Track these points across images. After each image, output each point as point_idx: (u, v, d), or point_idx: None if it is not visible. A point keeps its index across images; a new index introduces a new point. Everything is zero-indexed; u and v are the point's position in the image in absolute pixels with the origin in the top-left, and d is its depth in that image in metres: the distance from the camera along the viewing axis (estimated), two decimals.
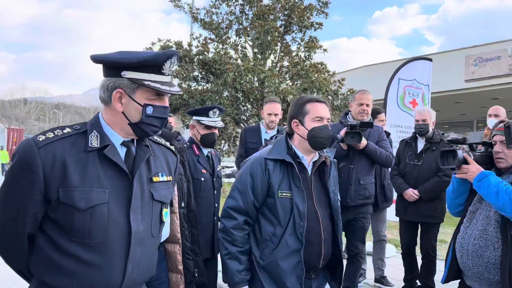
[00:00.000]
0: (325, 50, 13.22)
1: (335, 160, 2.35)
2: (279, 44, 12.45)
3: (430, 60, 6.19)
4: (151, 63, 1.46)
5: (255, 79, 11.09)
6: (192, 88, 11.57)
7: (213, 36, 12.65)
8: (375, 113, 4.58)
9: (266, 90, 10.65)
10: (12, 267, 1.54)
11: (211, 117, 3.16)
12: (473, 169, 2.22)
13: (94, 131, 1.48)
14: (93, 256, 1.43)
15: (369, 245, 4.98)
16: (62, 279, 1.43)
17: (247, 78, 10.55)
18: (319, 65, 12.74)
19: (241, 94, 11.19)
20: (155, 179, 1.57)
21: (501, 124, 2.32)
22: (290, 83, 12.53)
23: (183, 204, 2.39)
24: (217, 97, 10.80)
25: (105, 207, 1.43)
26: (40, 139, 1.42)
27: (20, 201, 1.42)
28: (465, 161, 2.24)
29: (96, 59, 1.51)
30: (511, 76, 11.39)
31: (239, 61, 12.10)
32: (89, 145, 1.45)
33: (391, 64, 15.07)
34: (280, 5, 12.26)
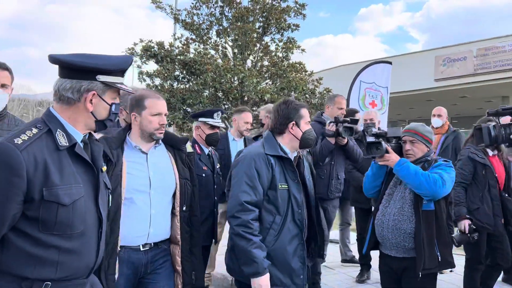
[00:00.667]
0: (303, 50, 13.70)
1: (305, 154, 2.72)
2: (258, 44, 12.89)
3: (390, 63, 6.72)
4: (122, 69, 1.65)
5: (235, 78, 11.51)
6: (174, 88, 11.95)
7: (194, 37, 13.04)
8: (352, 112, 4.95)
9: (245, 89, 11.08)
10: None
11: (215, 119, 3.54)
12: (394, 157, 2.74)
13: (59, 129, 1.56)
14: (74, 244, 1.54)
15: (334, 234, 5.52)
16: (44, 270, 1.49)
17: (227, 78, 10.96)
18: (298, 65, 13.24)
19: (221, 93, 11.60)
20: (103, 169, 1.73)
21: (408, 126, 2.92)
22: (270, 82, 12.99)
23: (184, 208, 2.42)
24: (197, 96, 11.21)
25: (82, 200, 1.56)
26: (19, 142, 1.45)
27: (2, 204, 1.42)
28: (387, 151, 2.76)
29: (65, 62, 1.59)
30: (476, 76, 12.05)
31: (219, 60, 12.51)
32: (60, 144, 1.53)
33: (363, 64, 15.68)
34: (259, 7, 12.70)
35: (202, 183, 3.21)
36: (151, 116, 2.29)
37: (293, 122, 2.45)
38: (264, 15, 12.53)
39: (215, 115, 3.56)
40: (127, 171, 2.22)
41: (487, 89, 12.75)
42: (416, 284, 2.64)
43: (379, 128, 4.31)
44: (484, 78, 11.97)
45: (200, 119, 3.60)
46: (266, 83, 13.06)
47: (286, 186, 2.40)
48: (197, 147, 3.50)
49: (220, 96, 11.69)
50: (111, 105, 1.64)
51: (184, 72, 11.64)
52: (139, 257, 2.26)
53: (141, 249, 2.27)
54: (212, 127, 3.53)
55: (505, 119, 3.13)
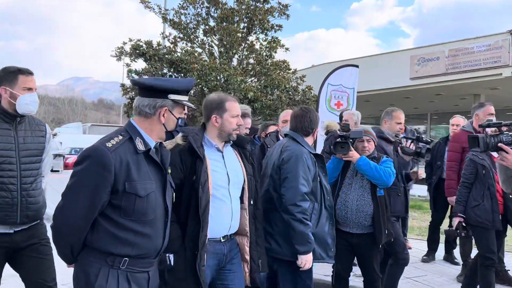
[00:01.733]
0: (287, 49, 14.32)
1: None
2: (243, 44, 13.46)
3: (357, 66, 7.37)
4: (187, 89, 2.03)
5: (220, 77, 12.08)
6: None
7: (182, 35, 13.59)
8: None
9: (230, 88, 11.67)
10: (64, 245, 1.86)
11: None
12: (356, 155, 3.44)
13: (138, 137, 1.93)
14: (146, 229, 1.89)
15: None
16: (124, 248, 1.85)
17: (212, 76, 11.54)
18: (282, 63, 13.84)
19: (207, 91, 12.19)
20: (169, 171, 2.09)
21: (365, 128, 3.71)
22: (256, 80, 13.58)
23: (252, 202, 2.60)
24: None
25: (153, 194, 1.90)
26: (109, 145, 1.83)
27: (96, 193, 1.79)
28: (351, 149, 3.43)
29: (145, 84, 1.99)
30: (448, 75, 12.76)
31: (205, 57, 13.08)
32: (138, 149, 1.89)
33: (348, 62, 16.32)
34: (244, 7, 13.25)
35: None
36: (231, 117, 2.50)
37: (316, 128, 3.17)
38: (248, 15, 13.10)
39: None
40: (210, 168, 2.43)
41: (459, 87, 13.48)
42: (371, 252, 3.42)
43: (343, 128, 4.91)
44: (455, 78, 12.68)
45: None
46: (252, 81, 13.68)
47: (319, 178, 3.02)
48: None
49: (206, 93, 12.29)
50: (178, 119, 2.01)
51: (172, 70, 12.21)
52: (221, 248, 2.46)
53: (221, 240, 2.47)
54: None
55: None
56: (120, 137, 1.89)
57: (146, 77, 12.19)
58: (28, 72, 2.67)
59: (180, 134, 2.20)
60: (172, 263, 2.29)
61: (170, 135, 2.05)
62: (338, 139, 3.46)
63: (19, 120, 2.63)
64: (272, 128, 4.68)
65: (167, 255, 2.28)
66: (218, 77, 12.01)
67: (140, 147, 1.91)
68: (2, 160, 2.50)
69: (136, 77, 12.60)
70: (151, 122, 1.97)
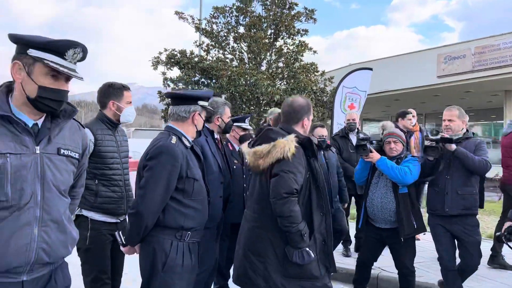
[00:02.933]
0: (314, 51, 14.81)
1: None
2: (270, 49, 14.06)
3: (371, 69, 7.81)
4: (208, 97, 2.67)
5: (250, 81, 12.73)
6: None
7: (214, 43, 14.38)
8: (403, 113, 5.72)
9: (257, 91, 12.30)
10: (141, 227, 2.26)
11: (246, 123, 4.28)
12: (376, 156, 3.69)
13: (183, 136, 2.45)
14: (199, 206, 2.42)
15: None
16: (188, 222, 2.36)
17: (240, 81, 12.23)
18: (309, 66, 14.31)
19: (237, 95, 12.90)
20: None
21: (391, 130, 4.03)
22: (285, 83, 14.13)
23: None
24: None
25: (201, 178, 2.47)
26: (174, 142, 2.35)
27: (170, 181, 2.27)
28: (371, 151, 3.72)
29: (181, 94, 2.64)
30: (475, 72, 12.79)
31: (235, 63, 13.79)
32: (187, 145, 2.43)
33: (376, 62, 16.57)
34: (272, 13, 13.87)
35: (235, 174, 3.82)
36: (309, 121, 2.81)
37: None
38: (275, 22, 13.70)
39: (246, 120, 4.35)
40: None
41: (488, 84, 13.44)
42: (401, 246, 3.60)
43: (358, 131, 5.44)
44: (482, 75, 12.69)
45: (235, 124, 4.28)
46: (280, 84, 14.26)
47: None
48: (229, 145, 4.18)
49: (236, 97, 13.00)
50: (205, 121, 2.63)
51: (203, 77, 13.01)
52: None
53: None
54: (244, 129, 4.25)
55: None
56: (174, 137, 2.39)
57: (180, 88, 12.99)
58: (129, 88, 3.12)
59: (293, 136, 2.51)
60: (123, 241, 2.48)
61: (198, 134, 2.60)
62: (360, 142, 3.80)
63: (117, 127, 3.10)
64: (320, 131, 4.71)
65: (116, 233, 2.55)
66: (247, 82, 12.67)
67: (187, 144, 2.44)
68: (112, 161, 2.93)
69: (171, 84, 13.49)
70: (187, 124, 2.51)
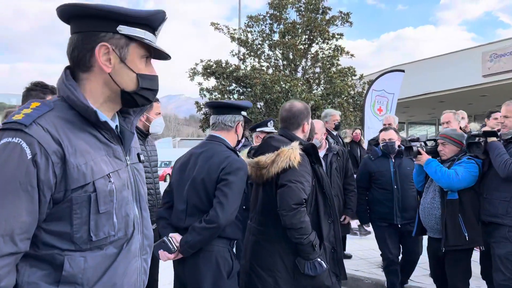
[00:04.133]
0: (352, 55, 14.58)
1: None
2: (305, 55, 13.99)
3: (403, 71, 7.55)
4: (249, 107, 2.65)
5: (285, 87, 12.72)
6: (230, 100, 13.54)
7: (249, 52, 14.53)
8: (489, 113, 5.48)
9: (291, 97, 12.25)
10: (213, 237, 2.31)
11: (269, 127, 4.31)
12: (424, 158, 3.44)
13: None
14: (241, 217, 2.49)
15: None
16: (240, 232, 2.52)
17: (274, 88, 12.25)
18: (347, 70, 14.08)
19: (271, 102, 12.92)
20: None
21: (442, 131, 3.72)
22: (322, 88, 13.98)
23: None
24: (253, 107, 12.66)
25: None
26: (242, 158, 2.44)
27: (242, 194, 2.35)
28: (420, 153, 3.49)
29: (226, 104, 2.59)
30: None
31: (270, 71, 13.84)
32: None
33: (416, 64, 16.00)
34: (306, 19, 13.80)
35: None
36: (309, 125, 2.82)
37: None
38: (308, 28, 13.63)
39: (268, 124, 4.32)
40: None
41: None
42: (449, 259, 3.28)
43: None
44: None
45: (257, 129, 4.38)
46: (317, 89, 14.13)
47: None
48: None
49: (270, 104, 13.02)
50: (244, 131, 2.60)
51: (238, 86, 13.16)
52: None
53: None
54: (267, 133, 4.12)
55: None
56: (232, 151, 2.42)
57: (216, 98, 13.20)
58: (158, 100, 3.07)
59: (297, 143, 2.49)
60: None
61: (238, 143, 2.59)
62: (408, 144, 3.64)
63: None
64: (385, 135, 4.30)
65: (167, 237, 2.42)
66: (282, 89, 12.67)
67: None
68: (155, 170, 3.07)
69: (207, 94, 13.75)
70: (231, 134, 2.50)
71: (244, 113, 2.55)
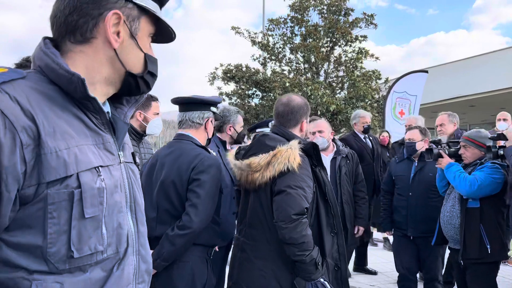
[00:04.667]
0: (376, 58, 14.09)
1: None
2: (328, 58, 13.60)
3: (426, 72, 7.09)
4: (219, 102, 2.51)
5: (306, 91, 12.37)
6: (250, 104, 13.28)
7: (270, 56, 14.26)
8: None
9: (311, 102, 11.88)
10: (187, 246, 2.12)
11: (270, 127, 4.17)
12: (445, 161, 3.17)
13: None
14: (220, 220, 2.42)
15: None
16: (217, 238, 2.34)
17: (294, 92, 11.91)
18: (371, 73, 13.59)
19: None
20: None
21: (465, 133, 3.36)
22: (346, 93, 13.53)
23: None
24: (270, 111, 12.35)
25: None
26: (214, 154, 2.29)
27: (217, 194, 2.18)
28: (441, 155, 3.21)
29: (195, 100, 2.35)
30: None
31: (291, 75, 13.52)
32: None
33: (445, 66, 15.31)
34: (328, 21, 13.42)
35: None
36: (308, 123, 2.75)
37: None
38: (331, 30, 13.24)
39: (269, 124, 4.06)
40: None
41: None
42: (471, 273, 2.99)
43: None
44: None
45: (257, 130, 4.17)
46: (340, 93, 13.70)
47: None
48: None
49: None
50: (215, 131, 2.60)
51: (257, 90, 12.90)
52: None
53: None
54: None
55: None
56: (202, 149, 2.24)
57: (232, 103, 13.00)
58: (157, 99, 2.96)
59: (296, 142, 2.19)
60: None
61: (208, 141, 2.41)
62: (429, 145, 3.37)
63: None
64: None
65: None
66: (303, 93, 12.32)
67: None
68: None
69: (226, 98, 13.57)
70: (200, 132, 2.32)
71: (214, 109, 2.35)
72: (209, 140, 2.41)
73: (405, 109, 6.66)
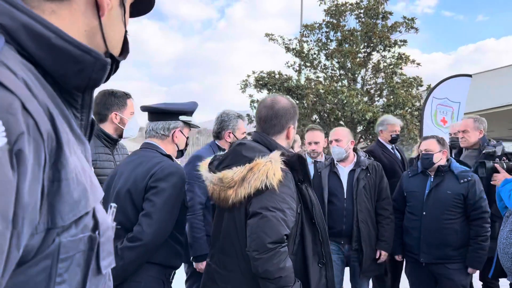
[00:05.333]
0: (418, 64, 13.34)
1: None
2: (365, 64, 12.99)
3: (470, 76, 6.42)
4: (192, 111, 2.18)
5: (341, 98, 11.84)
6: None
7: (304, 62, 13.82)
8: None
9: (346, 110, 11.32)
10: (141, 261, 1.83)
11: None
12: (500, 177, 2.65)
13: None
14: (184, 240, 2.16)
15: None
16: (177, 260, 2.03)
17: (328, 100, 11.40)
18: (412, 80, 12.86)
19: (325, 115, 12.06)
20: None
21: None
22: (385, 100, 12.86)
23: None
24: (303, 119, 11.89)
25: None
26: (179, 163, 2.13)
27: (177, 207, 1.90)
28: (496, 170, 2.69)
29: (157, 109, 2.09)
30: None
31: (322, 81, 13.02)
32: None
33: (494, 72, 14.27)
34: (365, 26, 12.84)
35: None
36: (295, 129, 2.84)
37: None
38: (368, 35, 12.64)
39: None
40: None
41: None
42: None
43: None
44: None
45: None
46: (378, 100, 13.03)
47: None
48: None
49: (324, 117, 12.16)
50: (187, 138, 2.16)
51: (290, 97, 12.51)
52: None
53: None
54: None
55: None
56: (167, 157, 2.01)
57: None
58: (131, 96, 2.59)
59: (278, 153, 1.89)
60: None
61: (180, 153, 2.17)
62: (481, 158, 2.88)
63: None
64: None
65: None
66: (334, 100, 11.78)
67: None
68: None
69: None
70: (166, 143, 2.09)
71: (184, 117, 2.09)
72: (181, 152, 2.16)
73: (448, 117, 6.01)
